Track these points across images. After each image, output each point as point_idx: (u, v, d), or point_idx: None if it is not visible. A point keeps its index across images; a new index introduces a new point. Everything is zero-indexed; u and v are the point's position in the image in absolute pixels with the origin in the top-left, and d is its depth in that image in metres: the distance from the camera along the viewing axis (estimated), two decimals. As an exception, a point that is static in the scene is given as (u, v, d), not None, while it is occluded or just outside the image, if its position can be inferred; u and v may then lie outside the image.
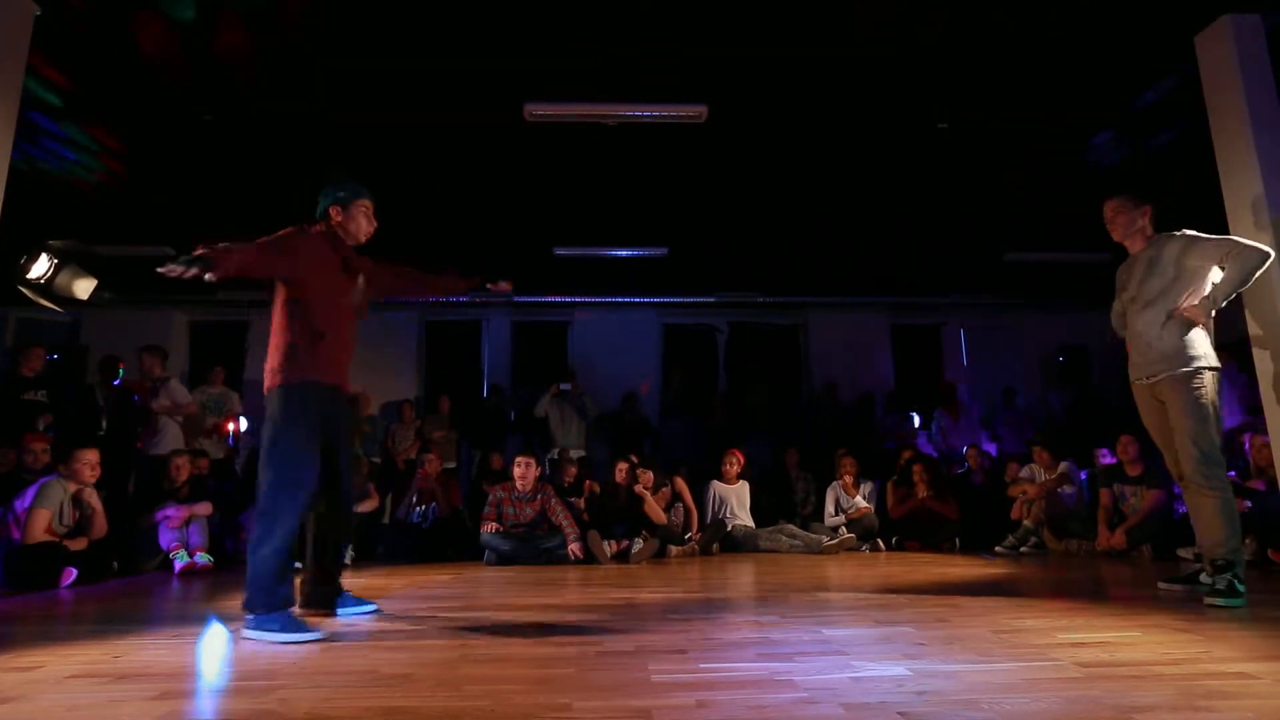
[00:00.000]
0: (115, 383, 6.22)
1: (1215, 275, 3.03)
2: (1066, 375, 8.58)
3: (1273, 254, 2.94)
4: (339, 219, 2.81)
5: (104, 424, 5.91)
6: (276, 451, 2.50)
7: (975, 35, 3.91)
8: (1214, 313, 3.02)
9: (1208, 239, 3.02)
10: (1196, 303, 2.98)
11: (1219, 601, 2.70)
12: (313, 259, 2.66)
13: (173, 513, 4.63)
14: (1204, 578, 3.00)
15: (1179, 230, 3.10)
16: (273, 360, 2.61)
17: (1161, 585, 3.23)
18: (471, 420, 7.74)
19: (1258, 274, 2.94)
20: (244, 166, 5.28)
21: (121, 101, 4.39)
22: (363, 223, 2.86)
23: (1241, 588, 2.75)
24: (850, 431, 7.40)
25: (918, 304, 8.87)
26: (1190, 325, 2.99)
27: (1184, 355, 2.98)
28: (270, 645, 2.21)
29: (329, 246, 2.74)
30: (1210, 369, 2.97)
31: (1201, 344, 3.00)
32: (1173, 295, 3.03)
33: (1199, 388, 2.94)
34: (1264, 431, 3.82)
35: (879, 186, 5.80)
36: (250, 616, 2.37)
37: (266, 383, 2.61)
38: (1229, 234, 3.58)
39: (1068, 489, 5.63)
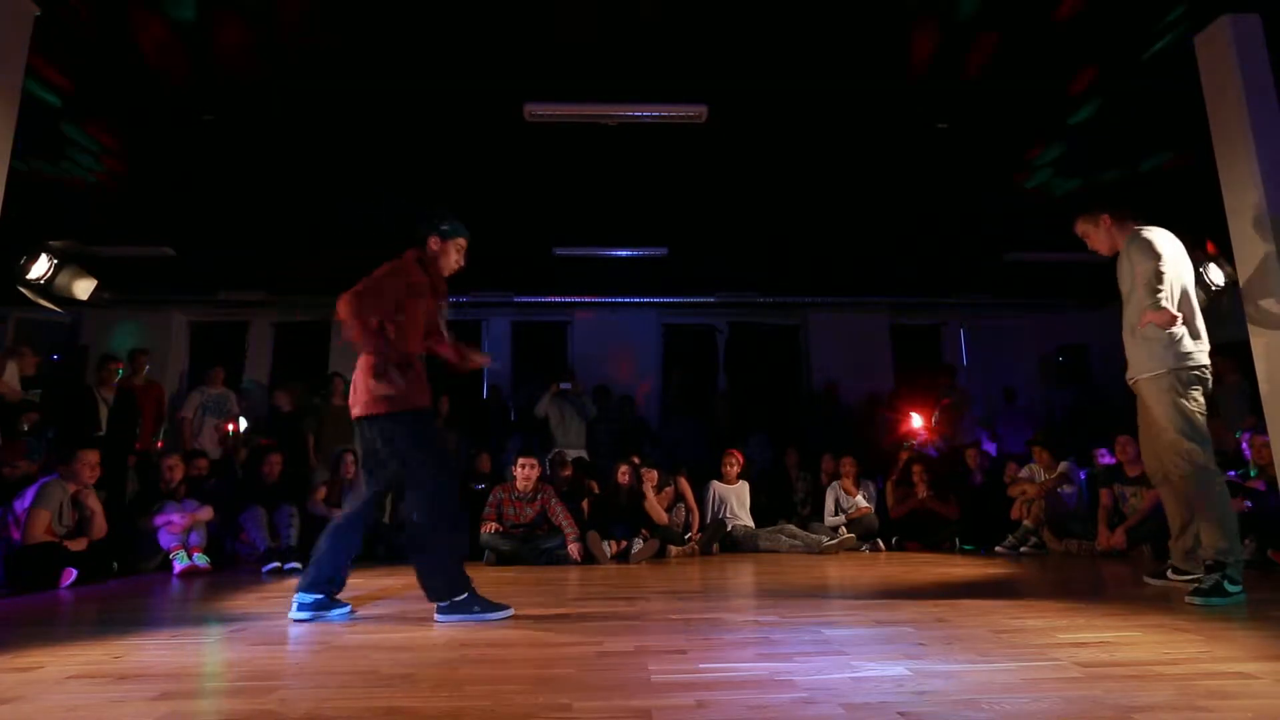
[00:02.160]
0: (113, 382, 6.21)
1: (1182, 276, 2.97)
2: (1066, 375, 8.59)
3: (1162, 262, 2.91)
4: (435, 249, 3.00)
5: (104, 425, 5.90)
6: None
7: (973, 36, 3.91)
8: (1190, 307, 2.94)
9: (1141, 238, 3.02)
10: (1148, 305, 2.90)
11: (1198, 600, 2.68)
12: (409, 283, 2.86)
13: (176, 519, 4.63)
14: (1170, 574, 3.15)
15: (1141, 228, 3.08)
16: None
17: (1147, 580, 3.30)
18: (471, 420, 7.73)
19: (1163, 282, 2.88)
20: (244, 167, 5.28)
21: (121, 101, 4.39)
22: (453, 257, 3.04)
23: (1233, 589, 2.71)
24: (851, 431, 7.40)
25: (917, 304, 8.87)
26: (1153, 327, 2.91)
27: (1152, 359, 2.94)
28: (282, 645, 2.21)
29: (426, 276, 2.94)
30: (1179, 370, 2.88)
31: (1172, 345, 2.90)
32: (1135, 297, 3.01)
33: (1169, 390, 2.88)
34: (1264, 431, 3.82)
35: (879, 186, 5.80)
36: (443, 604, 2.62)
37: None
38: (1230, 234, 3.63)
39: (1067, 489, 5.63)
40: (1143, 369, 2.98)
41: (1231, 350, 6.03)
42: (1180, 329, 2.91)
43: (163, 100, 4.37)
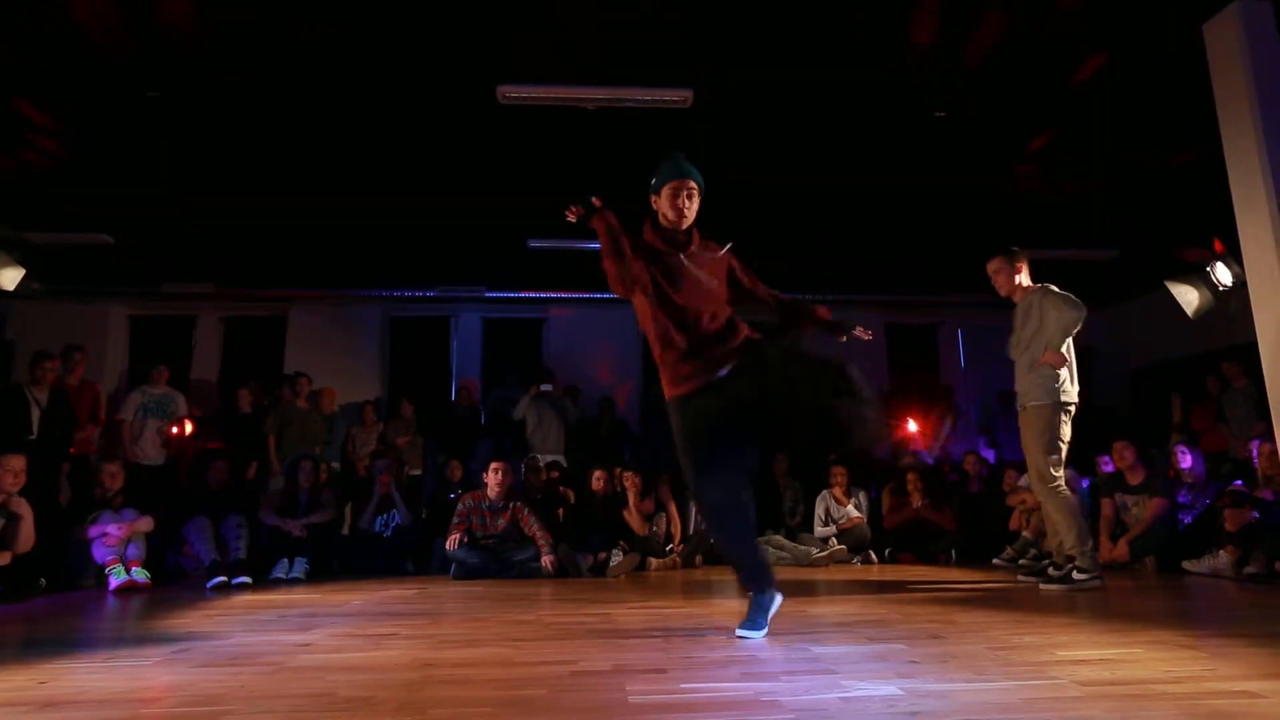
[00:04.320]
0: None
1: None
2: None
3: (1084, 314, 3.82)
4: (656, 207, 2.81)
5: (35, 427, 5.77)
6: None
7: (973, 22, 3.96)
8: (1068, 352, 3.85)
9: (1055, 292, 3.90)
10: (1044, 348, 3.84)
11: (1053, 587, 3.74)
12: (641, 255, 2.68)
13: (113, 530, 4.54)
14: (1051, 570, 3.93)
15: (1042, 285, 3.98)
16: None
17: (1036, 584, 3.97)
18: (438, 424, 7.68)
19: (1075, 329, 3.82)
20: (192, 148, 5.20)
21: (57, 76, 4.30)
22: (666, 207, 2.76)
23: (1079, 576, 3.72)
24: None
25: (913, 302, 8.95)
26: (1049, 366, 3.82)
27: (1039, 391, 3.85)
28: (229, 667, 2.18)
29: (653, 236, 2.76)
30: (1059, 403, 3.80)
31: (1054, 383, 3.83)
32: (1039, 340, 3.89)
33: (1044, 419, 3.82)
34: (1272, 439, 3.90)
35: (873, 178, 5.84)
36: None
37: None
38: (1236, 227, 3.75)
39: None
40: (1034, 397, 3.87)
41: (1238, 353, 6.17)
42: (1064, 371, 3.84)
43: (103, 75, 4.29)
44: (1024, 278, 4.12)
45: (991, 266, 4.19)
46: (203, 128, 4.92)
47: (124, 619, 3.34)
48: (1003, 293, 4.20)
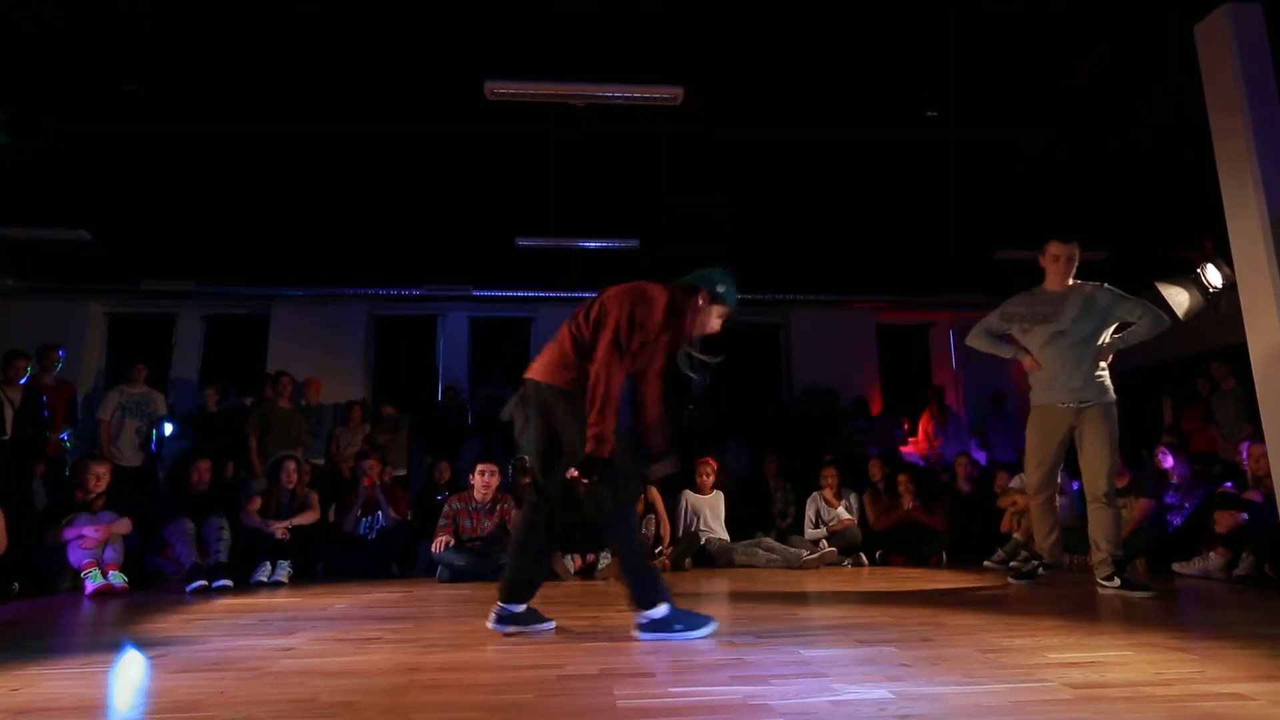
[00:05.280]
0: (21, 381, 6.01)
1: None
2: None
3: (1169, 323, 3.81)
4: (699, 303, 2.92)
5: (8, 428, 5.70)
6: None
7: (968, 23, 3.98)
8: None
9: (1130, 298, 3.84)
10: (1108, 345, 3.81)
11: (1135, 595, 3.50)
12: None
13: (89, 532, 4.48)
14: (1041, 570, 4.18)
15: (1101, 283, 3.86)
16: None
17: (1011, 581, 4.22)
18: (425, 424, 7.65)
19: (1158, 332, 3.82)
20: (173, 142, 5.15)
21: (32, 67, 4.25)
22: (710, 322, 3.00)
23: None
24: (832, 438, 7.48)
25: (905, 303, 9.00)
26: (1106, 363, 3.82)
27: (1108, 389, 3.79)
28: (209, 673, 2.16)
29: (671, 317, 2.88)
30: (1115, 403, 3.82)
31: (1110, 381, 3.84)
32: (1098, 338, 3.79)
33: (1114, 419, 3.76)
34: (1262, 440, 3.95)
35: (865, 177, 5.87)
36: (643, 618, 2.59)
37: None
38: (1226, 226, 3.80)
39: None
40: (1105, 395, 3.78)
41: (1227, 354, 6.24)
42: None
43: (81, 67, 4.24)
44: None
45: (1069, 251, 3.87)
46: (183, 121, 4.88)
47: (100, 624, 3.30)
48: (1067, 275, 3.88)
